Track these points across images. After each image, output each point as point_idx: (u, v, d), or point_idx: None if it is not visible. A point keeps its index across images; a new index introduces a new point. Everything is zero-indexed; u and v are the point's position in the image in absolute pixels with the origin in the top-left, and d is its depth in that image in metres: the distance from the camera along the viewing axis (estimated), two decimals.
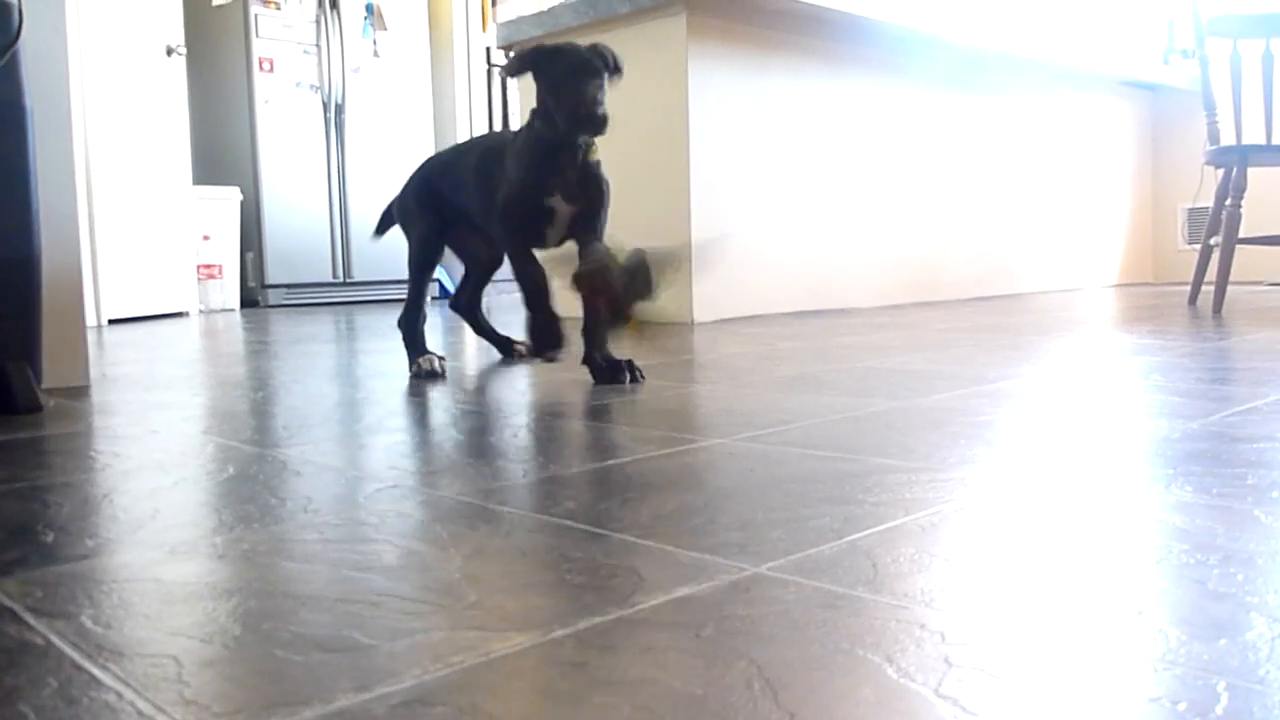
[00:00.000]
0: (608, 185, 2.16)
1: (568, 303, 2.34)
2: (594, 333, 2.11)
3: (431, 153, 5.78)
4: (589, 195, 2.14)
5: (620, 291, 1.70)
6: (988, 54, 4.48)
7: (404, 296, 2.45)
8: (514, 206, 2.10)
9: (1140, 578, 0.80)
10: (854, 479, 1.17)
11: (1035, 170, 5.06)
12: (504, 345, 2.63)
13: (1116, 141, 5.51)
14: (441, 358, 2.33)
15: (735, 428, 1.51)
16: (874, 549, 0.90)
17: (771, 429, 1.49)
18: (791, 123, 3.89)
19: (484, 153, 2.26)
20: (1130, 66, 5.08)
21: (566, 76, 2.00)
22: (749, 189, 3.75)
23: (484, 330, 2.66)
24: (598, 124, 1.98)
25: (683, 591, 0.80)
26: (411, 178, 2.49)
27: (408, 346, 2.37)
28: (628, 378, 2.07)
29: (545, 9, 3.92)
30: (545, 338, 2.03)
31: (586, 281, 1.75)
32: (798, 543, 0.92)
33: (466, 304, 2.64)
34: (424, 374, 2.26)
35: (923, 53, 4.33)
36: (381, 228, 2.65)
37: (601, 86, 2.01)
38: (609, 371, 2.08)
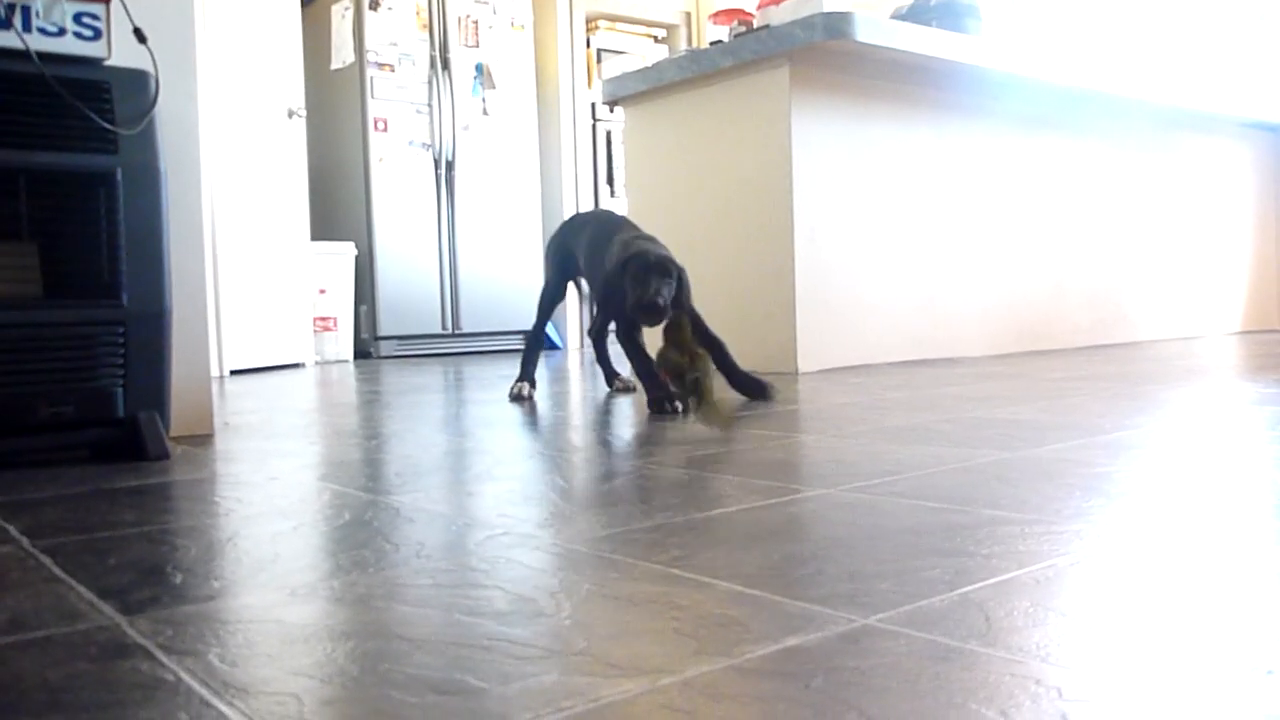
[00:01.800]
0: (684, 278, 2.64)
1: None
2: (728, 370, 2.68)
3: (537, 207, 5.90)
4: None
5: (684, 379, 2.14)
6: (1098, 96, 4.40)
7: (512, 347, 2.85)
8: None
9: (1267, 635, 0.77)
10: (965, 531, 1.15)
11: (1151, 214, 4.93)
12: (609, 377, 3.13)
13: (1238, 184, 5.34)
14: (533, 386, 2.96)
15: (842, 478, 1.50)
16: (987, 602, 0.88)
17: (879, 479, 1.48)
18: (896, 171, 3.87)
19: (595, 233, 2.85)
20: (1251, 108, 4.93)
21: (641, 272, 2.49)
22: (853, 238, 3.73)
23: (602, 358, 3.19)
24: (658, 313, 2.46)
25: (791, 641, 0.79)
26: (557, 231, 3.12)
27: (523, 365, 3.00)
28: (768, 392, 2.65)
29: (649, 65, 3.99)
30: (660, 403, 2.42)
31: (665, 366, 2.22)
32: (908, 594, 0.91)
33: (596, 334, 3.21)
34: (514, 397, 2.88)
35: (1029, 97, 4.28)
36: None
37: (668, 284, 2.50)
38: (754, 386, 2.67)
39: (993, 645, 0.77)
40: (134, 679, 0.75)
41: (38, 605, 0.95)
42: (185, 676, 0.76)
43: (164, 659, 0.80)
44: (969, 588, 0.92)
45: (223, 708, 0.69)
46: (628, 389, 3.04)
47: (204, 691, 0.72)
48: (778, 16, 3.62)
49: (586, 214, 3.08)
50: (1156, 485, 1.37)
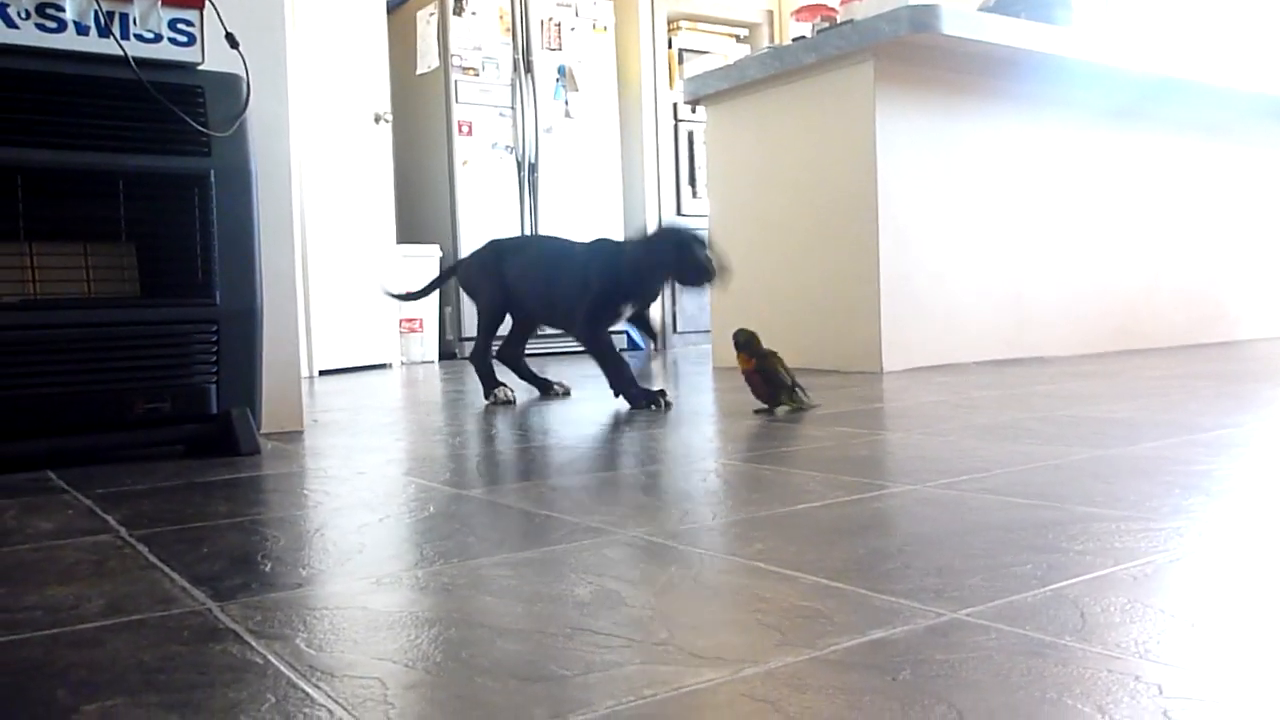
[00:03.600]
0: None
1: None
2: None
3: (619, 208, 5.91)
4: None
5: None
6: (1193, 86, 4.26)
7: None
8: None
9: None
10: (1058, 527, 1.11)
11: (1252, 207, 4.75)
12: (544, 386, 3.11)
13: None
14: (511, 389, 2.95)
15: (929, 474, 1.47)
16: (1081, 597, 0.85)
17: (967, 476, 1.44)
18: (983, 167, 3.80)
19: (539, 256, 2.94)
20: None
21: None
22: (940, 236, 3.67)
23: (525, 374, 3.14)
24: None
25: (877, 634, 0.78)
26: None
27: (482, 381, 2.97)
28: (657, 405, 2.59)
29: (731, 63, 3.97)
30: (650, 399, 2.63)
31: None
32: (999, 589, 0.88)
33: (512, 354, 3.14)
34: (499, 403, 2.87)
35: (1120, 88, 4.16)
36: None
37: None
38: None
39: (1088, 641, 0.74)
40: (224, 661, 0.77)
41: (134, 590, 0.98)
42: (273, 659, 0.77)
43: (253, 643, 0.81)
44: (1062, 583, 0.89)
45: (309, 690, 0.70)
46: (565, 392, 3.12)
47: (291, 674, 0.73)
48: (861, 11, 3.57)
49: (512, 240, 3.08)
50: (1261, 483, 1.32)
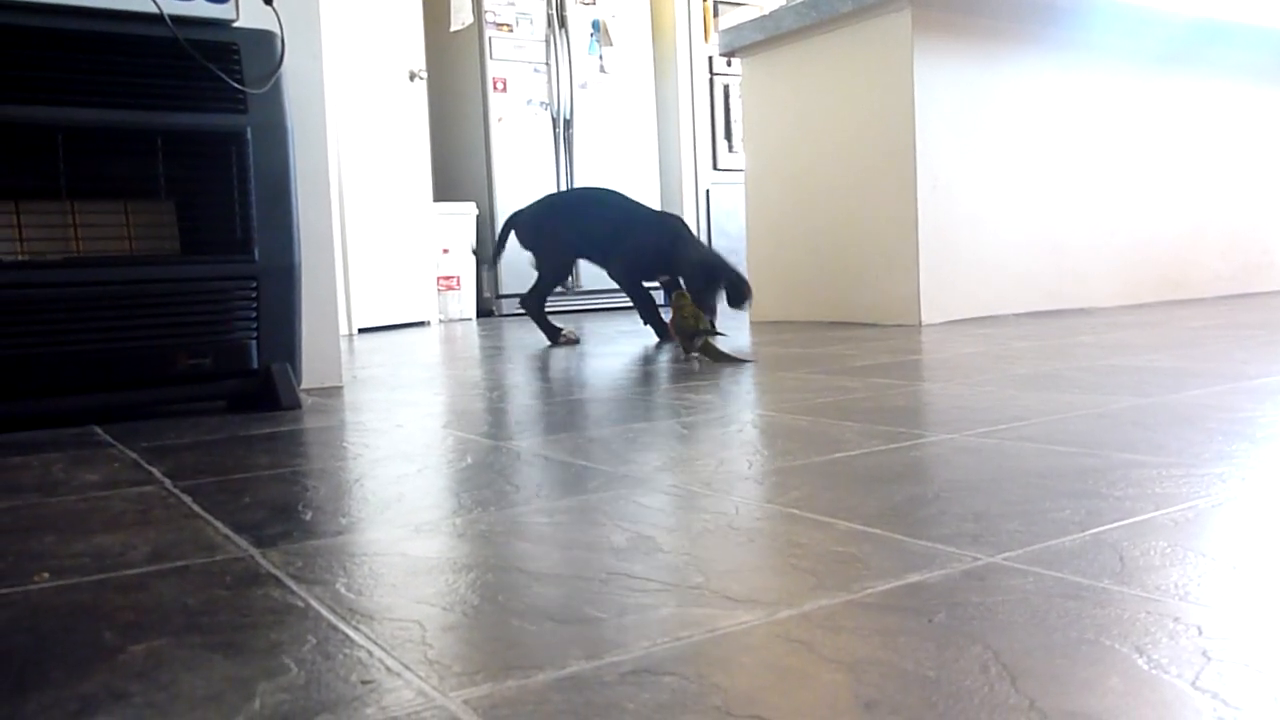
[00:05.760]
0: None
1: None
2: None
3: (655, 164, 5.88)
4: None
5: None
6: (1239, 28, 4.15)
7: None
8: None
9: None
10: (1097, 474, 1.10)
11: None
12: (553, 334, 3.37)
13: None
14: (575, 330, 3.41)
15: (967, 424, 1.46)
16: (1121, 542, 0.84)
17: (1006, 425, 1.43)
18: (1023, 116, 3.73)
19: (619, 212, 3.38)
20: None
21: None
22: (979, 186, 3.61)
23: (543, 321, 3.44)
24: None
25: (913, 578, 0.78)
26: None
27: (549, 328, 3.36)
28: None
29: (767, 13, 3.92)
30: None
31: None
32: (1036, 534, 0.88)
33: (537, 303, 3.42)
34: (567, 343, 3.26)
35: (1164, 32, 4.06)
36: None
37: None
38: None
39: (1127, 584, 0.74)
40: (266, 604, 0.78)
41: (178, 538, 1.00)
42: (314, 603, 0.78)
43: (294, 587, 0.82)
44: (1101, 528, 0.89)
45: (349, 631, 0.71)
46: (572, 341, 3.38)
47: (331, 617, 0.75)
48: None
49: (574, 193, 3.48)
50: None
